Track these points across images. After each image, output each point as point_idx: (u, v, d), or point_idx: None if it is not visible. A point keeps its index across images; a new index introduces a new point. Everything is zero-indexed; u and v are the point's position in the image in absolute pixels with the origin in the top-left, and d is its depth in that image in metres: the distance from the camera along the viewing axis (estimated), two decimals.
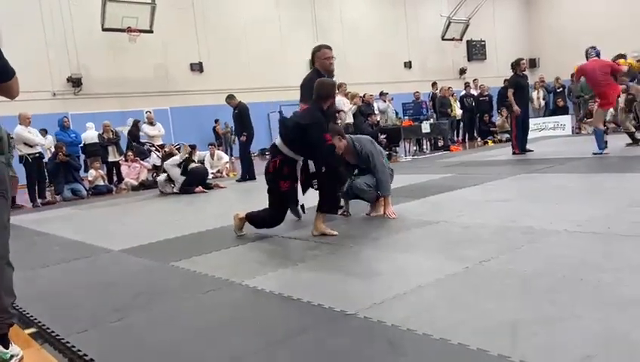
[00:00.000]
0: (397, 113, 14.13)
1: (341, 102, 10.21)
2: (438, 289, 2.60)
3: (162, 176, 8.86)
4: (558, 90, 15.08)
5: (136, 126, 12.14)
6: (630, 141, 8.60)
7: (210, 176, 11.09)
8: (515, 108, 9.26)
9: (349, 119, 10.79)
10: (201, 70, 17.34)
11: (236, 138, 9.78)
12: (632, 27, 19.97)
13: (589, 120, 13.13)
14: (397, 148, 12.53)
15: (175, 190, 8.68)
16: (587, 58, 8.12)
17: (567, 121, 13.39)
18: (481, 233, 3.64)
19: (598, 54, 8.05)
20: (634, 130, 8.50)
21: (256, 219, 4.34)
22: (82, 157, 11.41)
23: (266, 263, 3.44)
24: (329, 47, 4.87)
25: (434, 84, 15.83)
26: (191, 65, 17.21)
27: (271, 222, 4.30)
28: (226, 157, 12.13)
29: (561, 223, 3.63)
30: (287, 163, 4.10)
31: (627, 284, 2.36)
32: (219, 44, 17.36)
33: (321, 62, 4.78)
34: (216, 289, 2.98)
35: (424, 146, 13.62)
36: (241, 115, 9.58)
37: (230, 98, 9.70)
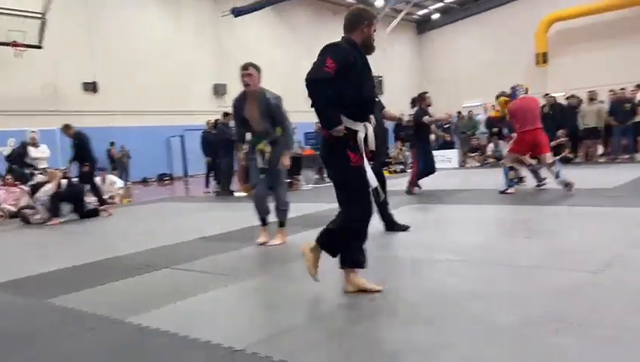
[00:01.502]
0: (300, 142, 14.35)
1: None
2: (326, 321, 2.62)
3: (39, 211, 8.20)
4: (446, 126, 16.18)
5: (24, 147, 11.28)
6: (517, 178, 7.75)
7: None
8: (443, 117, 9.18)
9: None
10: (95, 90, 16.46)
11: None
12: (512, 65, 22.41)
13: (472, 154, 14.23)
14: (298, 177, 12.66)
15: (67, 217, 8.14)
16: (515, 96, 7.17)
17: (453, 154, 14.37)
18: (370, 262, 3.74)
19: (526, 91, 7.18)
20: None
21: (336, 238, 3.03)
22: None
23: (153, 298, 3.26)
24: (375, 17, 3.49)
25: None
26: (84, 84, 16.29)
27: (359, 227, 2.99)
28: (119, 183, 11.51)
29: (445, 253, 3.85)
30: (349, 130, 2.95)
31: (499, 312, 2.53)
32: (116, 64, 16.64)
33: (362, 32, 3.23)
34: (96, 328, 2.77)
35: (325, 175, 13.90)
36: (82, 144, 9.31)
37: (67, 128, 9.41)
